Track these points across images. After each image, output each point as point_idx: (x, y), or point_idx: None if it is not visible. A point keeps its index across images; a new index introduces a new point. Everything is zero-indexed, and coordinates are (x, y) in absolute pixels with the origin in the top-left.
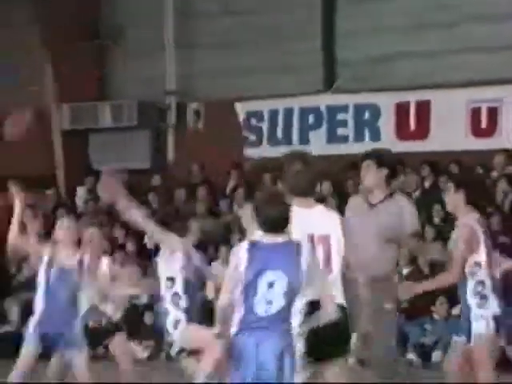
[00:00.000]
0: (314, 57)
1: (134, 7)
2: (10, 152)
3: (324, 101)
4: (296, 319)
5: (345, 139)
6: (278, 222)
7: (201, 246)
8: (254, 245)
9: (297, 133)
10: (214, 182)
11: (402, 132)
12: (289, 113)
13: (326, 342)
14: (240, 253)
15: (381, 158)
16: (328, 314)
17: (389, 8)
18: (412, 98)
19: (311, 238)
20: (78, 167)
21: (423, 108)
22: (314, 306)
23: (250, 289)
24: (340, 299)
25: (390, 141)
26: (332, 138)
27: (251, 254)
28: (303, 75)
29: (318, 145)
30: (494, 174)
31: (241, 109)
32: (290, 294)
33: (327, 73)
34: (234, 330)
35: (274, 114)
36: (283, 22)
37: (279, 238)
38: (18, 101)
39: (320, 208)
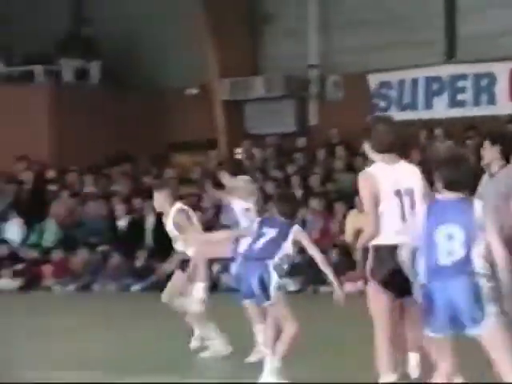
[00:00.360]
0: (437, 32)
1: None
2: (183, 121)
3: (446, 71)
4: (478, 264)
5: (464, 104)
6: (459, 182)
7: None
8: (433, 202)
9: (422, 99)
10: (349, 143)
11: None
12: (414, 82)
13: None
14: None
15: (494, 137)
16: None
17: None
18: None
19: (398, 192)
20: (235, 132)
21: None
22: None
23: (430, 241)
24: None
25: (504, 104)
26: (453, 102)
27: (431, 210)
28: (427, 49)
29: (441, 109)
30: None
31: (372, 80)
32: (468, 245)
33: (448, 46)
34: (421, 280)
35: (401, 83)
36: (409, 2)
37: (456, 196)
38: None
39: (403, 163)
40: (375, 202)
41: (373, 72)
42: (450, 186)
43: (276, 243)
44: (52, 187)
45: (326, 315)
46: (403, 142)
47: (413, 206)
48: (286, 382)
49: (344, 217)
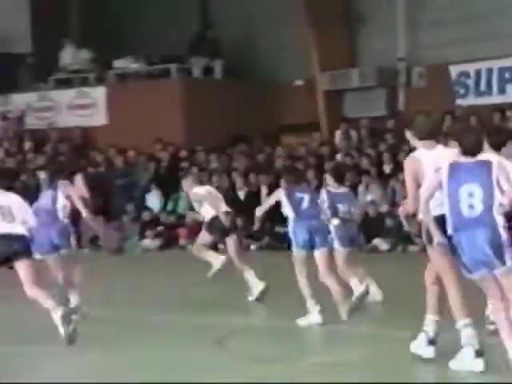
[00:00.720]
0: (509, 28)
1: None
2: (291, 107)
3: None
4: (497, 216)
5: None
6: (475, 147)
7: None
8: (454, 164)
9: (496, 86)
10: None
11: None
12: (489, 71)
13: None
14: (443, 170)
15: None
16: None
17: None
18: None
19: (437, 171)
20: (335, 117)
21: None
22: None
23: (454, 198)
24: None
25: None
26: None
27: (452, 171)
28: (501, 42)
29: None
30: None
31: (453, 70)
32: (487, 200)
33: None
34: (449, 231)
35: (477, 73)
36: (484, 1)
37: (475, 159)
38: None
39: (440, 147)
40: (416, 183)
41: (453, 63)
42: (468, 151)
43: None
44: (184, 164)
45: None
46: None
47: None
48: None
49: None
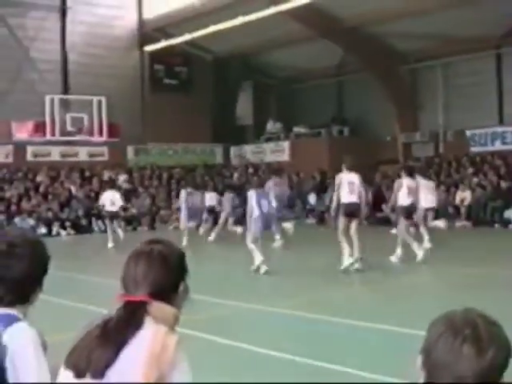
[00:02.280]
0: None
1: None
2: (384, 151)
3: None
4: None
5: None
6: None
7: None
8: None
9: (489, 142)
10: None
11: None
12: (486, 134)
13: None
14: None
15: None
16: None
17: None
18: None
19: None
20: (408, 155)
21: None
22: None
23: None
24: None
25: None
26: None
27: None
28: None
29: None
30: None
31: (468, 132)
32: None
33: None
34: None
35: (480, 134)
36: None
37: None
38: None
39: None
40: None
41: (468, 129)
42: None
43: None
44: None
45: None
46: None
47: None
48: None
49: None
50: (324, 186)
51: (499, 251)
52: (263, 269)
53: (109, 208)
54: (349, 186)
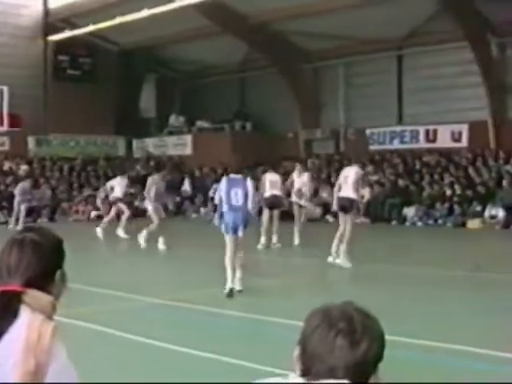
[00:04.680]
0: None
1: None
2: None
3: None
4: None
5: None
6: None
7: None
8: None
9: (388, 140)
10: None
11: None
12: (384, 133)
13: None
14: None
15: None
16: None
17: None
18: None
19: None
20: (309, 152)
21: None
22: None
23: None
24: None
25: None
26: None
27: None
28: (391, 118)
29: None
30: None
31: (367, 131)
32: None
33: None
34: None
35: (378, 133)
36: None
37: None
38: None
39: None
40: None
41: (367, 128)
42: None
43: None
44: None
45: None
46: None
47: None
48: None
49: None
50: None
51: (394, 247)
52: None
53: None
54: (270, 183)
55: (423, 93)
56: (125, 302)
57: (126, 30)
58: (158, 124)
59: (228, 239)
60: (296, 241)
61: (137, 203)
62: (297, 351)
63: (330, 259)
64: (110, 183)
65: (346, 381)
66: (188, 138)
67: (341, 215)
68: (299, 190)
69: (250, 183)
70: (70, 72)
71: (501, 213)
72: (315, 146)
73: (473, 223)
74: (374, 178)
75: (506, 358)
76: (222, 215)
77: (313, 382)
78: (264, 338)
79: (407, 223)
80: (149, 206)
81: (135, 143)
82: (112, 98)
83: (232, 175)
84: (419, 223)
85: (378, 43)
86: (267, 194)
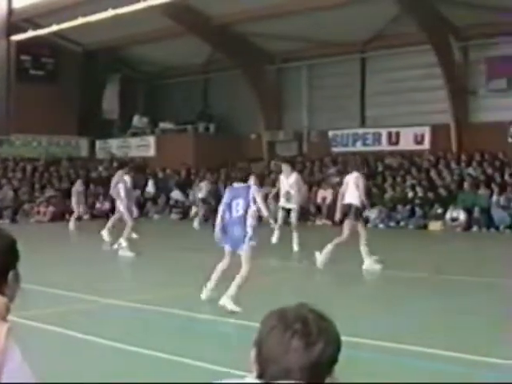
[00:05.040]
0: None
1: None
2: (249, 149)
3: None
4: None
5: None
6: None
7: None
8: None
9: (350, 142)
10: None
11: None
12: (347, 135)
13: None
14: None
15: None
16: None
17: None
18: None
19: None
20: (272, 154)
21: None
22: None
23: None
24: None
25: None
26: None
27: None
28: (352, 121)
29: None
30: None
31: (330, 133)
32: None
33: None
34: None
35: (341, 135)
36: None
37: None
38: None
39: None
40: None
41: (330, 130)
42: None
43: None
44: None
45: None
46: None
47: None
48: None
49: None
50: (189, 182)
51: (356, 249)
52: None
53: None
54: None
55: (386, 95)
56: (83, 303)
57: (89, 31)
58: (121, 125)
59: (226, 251)
60: (296, 247)
61: (98, 204)
62: (253, 352)
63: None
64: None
65: (301, 383)
66: (151, 140)
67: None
68: (288, 193)
69: (254, 190)
70: (33, 72)
71: (462, 215)
72: (278, 147)
73: (434, 225)
74: (337, 179)
75: (466, 359)
76: (224, 227)
77: (269, 383)
78: (224, 338)
79: (369, 225)
80: (120, 205)
81: (98, 144)
82: (75, 99)
83: (235, 184)
84: (381, 225)
85: (341, 46)
86: None
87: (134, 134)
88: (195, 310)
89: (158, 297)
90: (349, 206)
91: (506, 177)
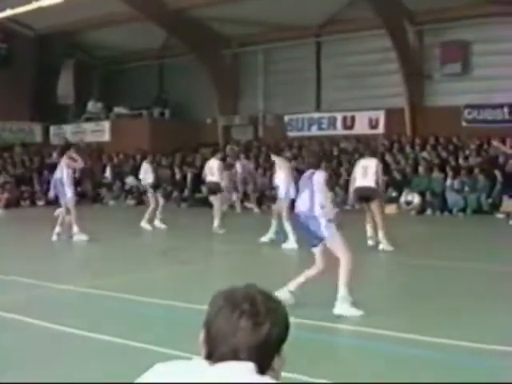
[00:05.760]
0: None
1: None
2: (204, 133)
3: None
4: None
5: None
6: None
7: None
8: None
9: (306, 127)
10: None
11: None
12: (302, 119)
13: None
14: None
15: None
16: None
17: None
18: None
19: None
20: (227, 139)
21: None
22: None
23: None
24: None
25: None
26: None
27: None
28: (308, 105)
29: None
30: None
31: (286, 118)
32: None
33: None
34: None
35: (297, 119)
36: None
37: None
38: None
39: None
40: None
41: (286, 114)
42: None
43: None
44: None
45: None
46: None
47: None
48: None
49: None
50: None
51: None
52: None
53: None
54: (209, 170)
55: (341, 80)
56: (39, 289)
57: (43, 15)
58: (75, 110)
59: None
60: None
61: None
62: (202, 334)
63: (370, 242)
64: None
65: (249, 363)
66: (106, 125)
67: (364, 205)
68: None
69: (317, 178)
70: None
71: (416, 199)
72: (234, 132)
73: (389, 209)
74: (292, 164)
75: (434, 342)
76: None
77: (216, 364)
78: (178, 323)
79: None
80: (68, 192)
81: (52, 130)
82: (29, 84)
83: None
84: (336, 209)
85: (296, 30)
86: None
87: (89, 119)
88: (146, 295)
89: (111, 282)
90: (372, 190)
91: (460, 160)
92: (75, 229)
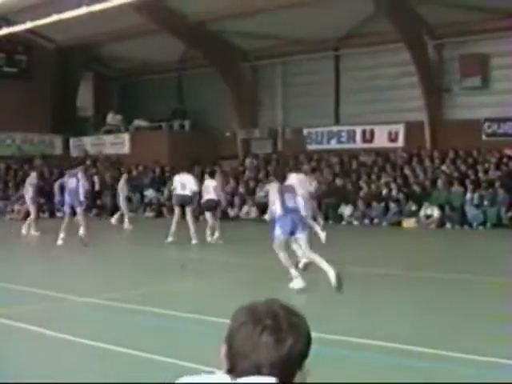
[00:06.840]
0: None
1: None
2: (223, 146)
3: None
4: None
5: None
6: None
7: None
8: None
9: (325, 140)
10: None
11: None
12: (321, 133)
13: None
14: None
15: None
16: None
17: None
18: None
19: None
20: (246, 152)
21: None
22: None
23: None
24: None
25: None
26: None
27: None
28: (327, 119)
29: None
30: None
31: (305, 131)
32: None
33: None
34: None
35: (316, 132)
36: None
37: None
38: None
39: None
40: None
41: (305, 127)
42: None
43: None
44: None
45: None
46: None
47: None
48: None
49: None
50: (163, 180)
51: (330, 246)
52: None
53: None
54: (181, 185)
55: (360, 93)
56: (54, 301)
57: (63, 28)
58: (95, 122)
59: None
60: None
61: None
62: (223, 349)
63: None
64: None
65: (271, 378)
66: (125, 137)
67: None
68: None
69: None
70: (6, 69)
71: (436, 212)
72: (253, 145)
73: (408, 222)
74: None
75: (437, 354)
76: None
77: (238, 379)
78: (196, 336)
79: (343, 222)
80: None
81: (72, 142)
82: (49, 96)
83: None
84: (355, 222)
85: (315, 43)
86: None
87: (108, 132)
88: (164, 307)
89: (129, 294)
90: None
91: (480, 174)
92: (62, 235)
